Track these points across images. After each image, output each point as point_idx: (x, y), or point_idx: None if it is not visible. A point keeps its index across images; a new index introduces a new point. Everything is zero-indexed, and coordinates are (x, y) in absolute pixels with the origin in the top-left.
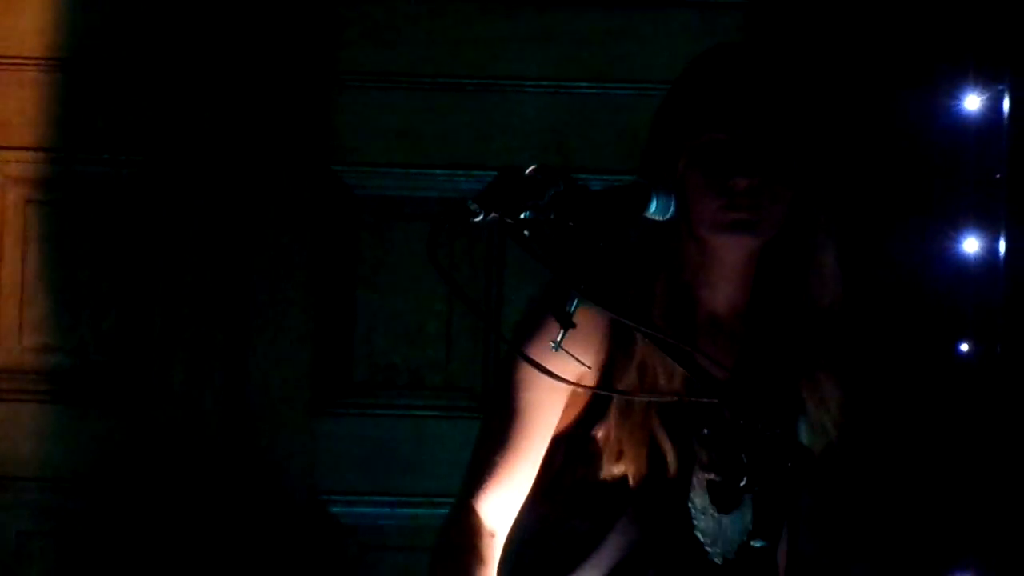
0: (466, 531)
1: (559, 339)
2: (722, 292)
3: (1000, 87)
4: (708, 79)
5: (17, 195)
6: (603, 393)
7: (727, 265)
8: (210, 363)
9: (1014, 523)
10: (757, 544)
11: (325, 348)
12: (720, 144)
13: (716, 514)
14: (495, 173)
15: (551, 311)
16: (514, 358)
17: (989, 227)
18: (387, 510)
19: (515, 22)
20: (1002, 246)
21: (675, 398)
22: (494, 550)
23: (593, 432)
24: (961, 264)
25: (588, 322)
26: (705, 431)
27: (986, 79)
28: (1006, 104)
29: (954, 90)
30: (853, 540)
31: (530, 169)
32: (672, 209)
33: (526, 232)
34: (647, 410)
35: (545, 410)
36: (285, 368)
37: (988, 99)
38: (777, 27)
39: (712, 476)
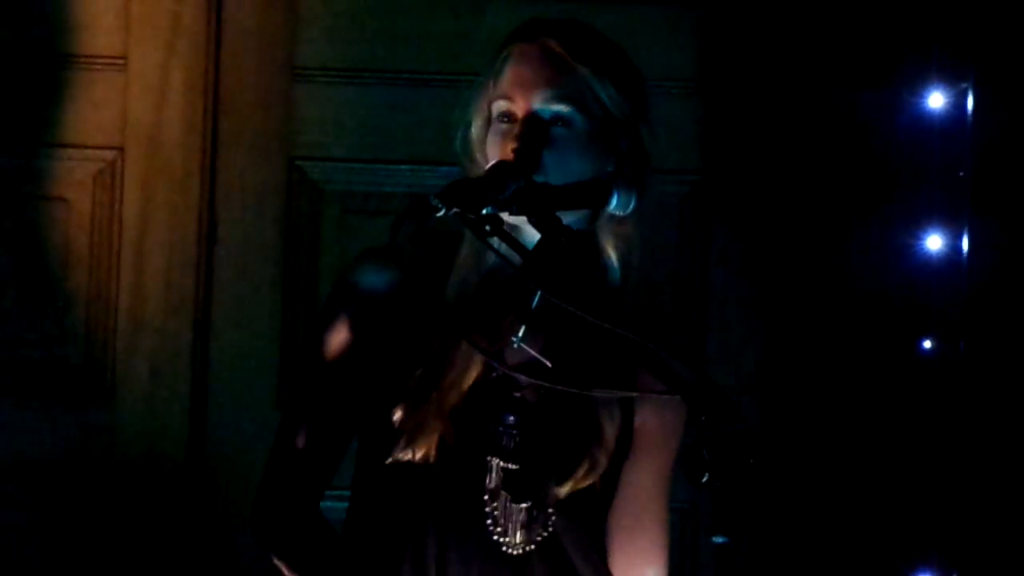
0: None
1: (520, 335)
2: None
3: (964, 85)
4: (499, 53)
5: None
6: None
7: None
8: (176, 358)
9: (977, 520)
10: (719, 540)
11: (290, 341)
12: (503, 111)
13: (511, 504)
14: (460, 169)
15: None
16: (319, 336)
17: (952, 225)
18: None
19: (480, 17)
20: (965, 244)
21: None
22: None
23: (392, 416)
24: (924, 261)
25: (363, 308)
26: (511, 418)
27: (950, 77)
28: (970, 102)
29: (918, 87)
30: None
31: (491, 164)
32: (633, 204)
33: (487, 227)
34: (442, 396)
35: (343, 385)
36: (251, 363)
37: (952, 97)
38: (739, 23)
39: (509, 464)
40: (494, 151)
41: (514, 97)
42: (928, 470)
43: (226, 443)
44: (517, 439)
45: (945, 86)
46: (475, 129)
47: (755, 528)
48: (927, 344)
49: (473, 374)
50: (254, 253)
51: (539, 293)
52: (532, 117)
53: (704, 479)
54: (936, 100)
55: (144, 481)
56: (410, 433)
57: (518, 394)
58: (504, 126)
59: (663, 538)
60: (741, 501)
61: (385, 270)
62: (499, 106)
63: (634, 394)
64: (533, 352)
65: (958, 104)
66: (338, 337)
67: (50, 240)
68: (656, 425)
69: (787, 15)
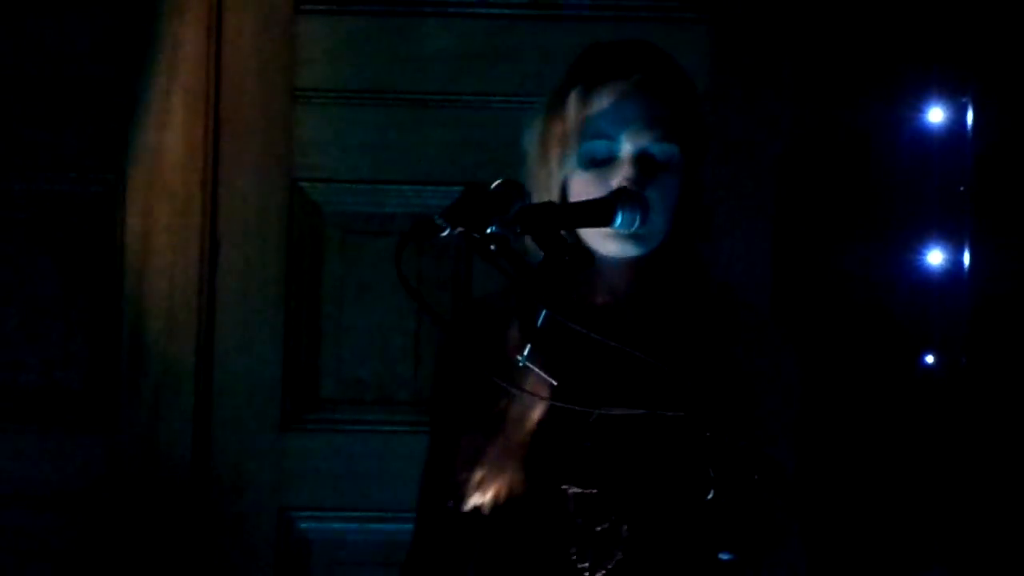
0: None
1: (525, 354)
2: (601, 297)
3: (964, 99)
4: (584, 87)
5: None
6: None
7: (611, 273)
8: (179, 382)
9: (979, 533)
10: (725, 557)
11: (293, 363)
12: (603, 151)
13: (588, 528)
14: (462, 188)
15: (519, 327)
16: (446, 372)
17: (953, 239)
18: (355, 526)
19: (481, 38)
20: (966, 258)
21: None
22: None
23: (457, 462)
24: (926, 276)
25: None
26: (587, 444)
27: (950, 91)
28: (970, 116)
29: (918, 102)
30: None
31: (496, 184)
32: (637, 223)
33: (492, 247)
34: (511, 433)
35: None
36: (253, 384)
37: (952, 111)
38: (742, 40)
39: (585, 491)
40: (589, 191)
41: (615, 136)
42: (930, 484)
43: (230, 468)
44: (595, 463)
45: (945, 100)
46: (553, 166)
47: (761, 544)
48: (929, 359)
49: (540, 406)
50: (256, 275)
51: (544, 312)
52: (644, 157)
53: (709, 496)
54: (936, 115)
55: (148, 507)
56: (484, 478)
57: (591, 419)
58: (604, 168)
59: None
60: (747, 517)
61: (467, 320)
62: (598, 146)
63: (638, 412)
64: (538, 370)
65: (958, 118)
66: (439, 385)
67: (51, 265)
68: None
69: (789, 31)
